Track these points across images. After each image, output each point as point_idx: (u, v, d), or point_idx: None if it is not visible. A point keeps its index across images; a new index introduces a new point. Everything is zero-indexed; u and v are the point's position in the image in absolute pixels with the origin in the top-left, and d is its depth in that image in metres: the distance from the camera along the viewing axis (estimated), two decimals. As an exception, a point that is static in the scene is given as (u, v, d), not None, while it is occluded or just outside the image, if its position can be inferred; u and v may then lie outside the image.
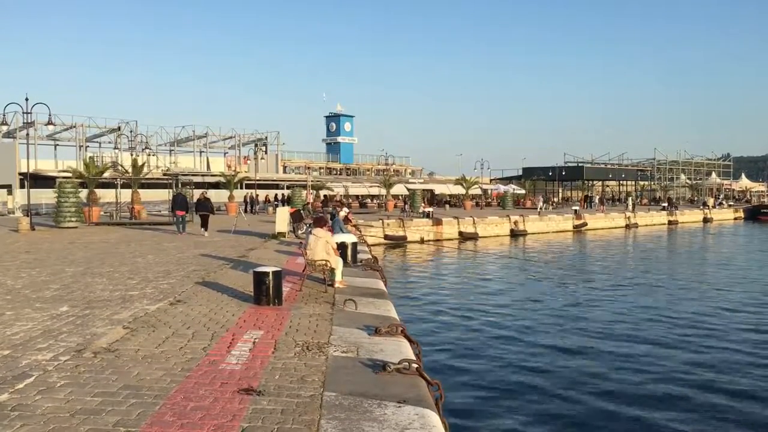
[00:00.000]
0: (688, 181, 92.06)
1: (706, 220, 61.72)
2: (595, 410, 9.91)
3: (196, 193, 28.41)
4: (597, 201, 64.68)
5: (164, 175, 46.83)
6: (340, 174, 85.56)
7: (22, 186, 40.12)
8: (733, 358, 12.88)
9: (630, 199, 63.45)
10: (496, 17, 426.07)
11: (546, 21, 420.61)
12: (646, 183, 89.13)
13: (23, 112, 26.89)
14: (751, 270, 27.55)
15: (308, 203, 37.72)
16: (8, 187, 42.81)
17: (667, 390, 10.84)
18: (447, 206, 57.48)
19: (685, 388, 10.99)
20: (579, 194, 75.20)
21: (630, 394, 10.65)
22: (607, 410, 9.91)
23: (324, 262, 10.65)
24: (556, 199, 70.47)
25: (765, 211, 68.83)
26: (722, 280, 24.28)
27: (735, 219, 67.42)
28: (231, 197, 41.31)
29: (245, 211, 39.07)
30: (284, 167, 78.67)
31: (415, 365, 5.83)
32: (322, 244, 10.79)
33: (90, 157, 45.53)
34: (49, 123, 30.74)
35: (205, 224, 23.07)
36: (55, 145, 63.29)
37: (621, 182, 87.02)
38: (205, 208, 23.67)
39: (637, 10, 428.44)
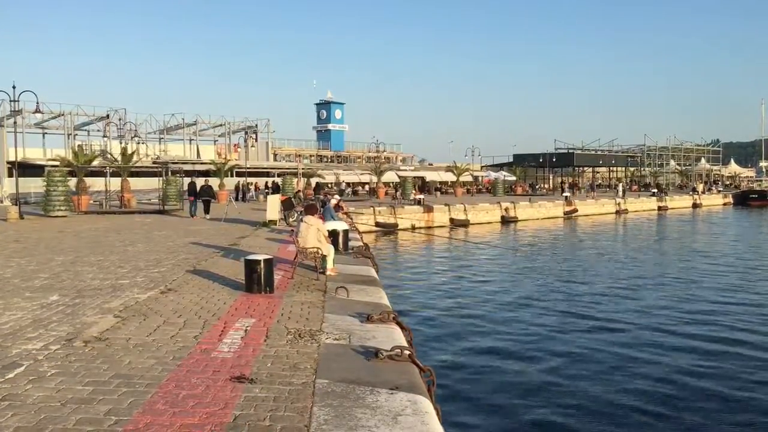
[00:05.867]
0: (677, 167, 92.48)
1: (695, 206, 62.10)
2: (587, 396, 9.98)
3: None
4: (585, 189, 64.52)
5: (154, 163, 46.48)
6: (331, 161, 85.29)
7: (10, 175, 39.70)
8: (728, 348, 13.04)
9: (620, 185, 63.67)
10: (487, 6, 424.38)
11: (536, 9, 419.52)
12: (636, 169, 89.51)
13: (10, 100, 26.58)
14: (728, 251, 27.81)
15: (299, 191, 37.60)
16: (-4, 176, 42.38)
17: (661, 382, 10.92)
18: (438, 193, 57.46)
19: (675, 381, 11.09)
20: (567, 180, 75.27)
21: (621, 379, 10.74)
22: (598, 394, 9.99)
23: (315, 250, 10.63)
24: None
25: (753, 196, 69.33)
26: (706, 265, 24.50)
27: (724, 204, 67.85)
28: (221, 185, 41.10)
29: (236, 199, 38.93)
30: (275, 155, 78.33)
31: (407, 352, 5.84)
32: (313, 232, 10.77)
33: (79, 146, 45.20)
34: (37, 111, 30.34)
35: (207, 209, 25.45)
36: (44, 134, 62.70)
37: (611, 168, 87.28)
38: (207, 194, 26.34)
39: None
